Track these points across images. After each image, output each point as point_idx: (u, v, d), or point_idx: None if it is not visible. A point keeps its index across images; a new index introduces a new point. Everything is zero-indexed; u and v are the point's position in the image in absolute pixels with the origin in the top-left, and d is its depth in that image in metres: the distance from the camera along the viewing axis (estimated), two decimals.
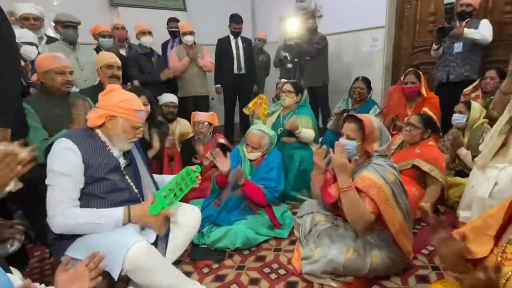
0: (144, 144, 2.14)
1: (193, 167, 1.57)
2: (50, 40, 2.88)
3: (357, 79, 3.10)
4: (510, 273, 0.92)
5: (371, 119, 1.64)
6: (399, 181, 1.56)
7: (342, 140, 1.63)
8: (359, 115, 1.63)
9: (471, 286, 0.93)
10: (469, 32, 2.81)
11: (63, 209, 1.27)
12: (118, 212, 1.33)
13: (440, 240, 1.02)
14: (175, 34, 4.01)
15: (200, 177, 1.59)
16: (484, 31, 2.82)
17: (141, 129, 1.49)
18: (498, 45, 3.06)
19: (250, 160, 2.26)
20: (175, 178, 1.48)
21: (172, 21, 3.98)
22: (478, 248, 1.04)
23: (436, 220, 1.08)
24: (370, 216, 1.49)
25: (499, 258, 0.99)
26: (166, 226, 1.48)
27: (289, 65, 4.03)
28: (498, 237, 1.06)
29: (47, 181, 1.30)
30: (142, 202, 1.48)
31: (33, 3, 2.70)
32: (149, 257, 1.26)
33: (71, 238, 1.32)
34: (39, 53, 2.40)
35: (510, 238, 1.02)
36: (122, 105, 1.39)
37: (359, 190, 1.53)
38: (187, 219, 1.59)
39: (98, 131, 1.42)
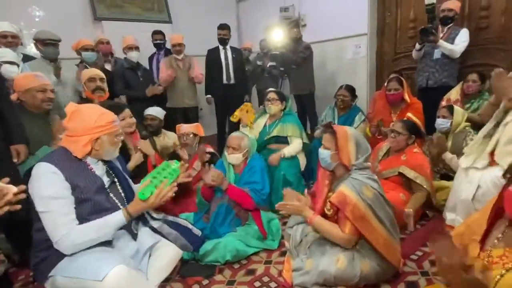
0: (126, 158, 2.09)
1: (172, 161, 1.52)
2: (26, 58, 2.76)
3: (340, 87, 3.13)
4: (498, 276, 0.93)
5: (347, 131, 1.62)
6: (379, 193, 1.55)
7: (320, 149, 1.67)
8: (336, 126, 1.65)
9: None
10: (442, 44, 2.89)
11: (67, 231, 1.25)
12: (119, 216, 1.34)
13: (441, 249, 1.01)
14: (160, 47, 4.01)
15: (184, 166, 1.56)
16: (457, 43, 2.90)
17: (122, 133, 1.49)
18: (476, 50, 3.15)
19: (234, 167, 2.23)
20: (152, 173, 1.42)
21: (157, 33, 3.99)
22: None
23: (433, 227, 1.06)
24: (344, 237, 1.53)
25: (485, 263, 1.00)
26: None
27: (266, 75, 4.07)
28: (483, 242, 1.07)
29: (39, 209, 1.25)
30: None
31: (8, 21, 2.64)
32: (129, 284, 1.22)
33: (53, 262, 1.29)
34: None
35: (495, 242, 1.03)
36: (101, 123, 1.35)
37: (336, 208, 1.56)
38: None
39: None
